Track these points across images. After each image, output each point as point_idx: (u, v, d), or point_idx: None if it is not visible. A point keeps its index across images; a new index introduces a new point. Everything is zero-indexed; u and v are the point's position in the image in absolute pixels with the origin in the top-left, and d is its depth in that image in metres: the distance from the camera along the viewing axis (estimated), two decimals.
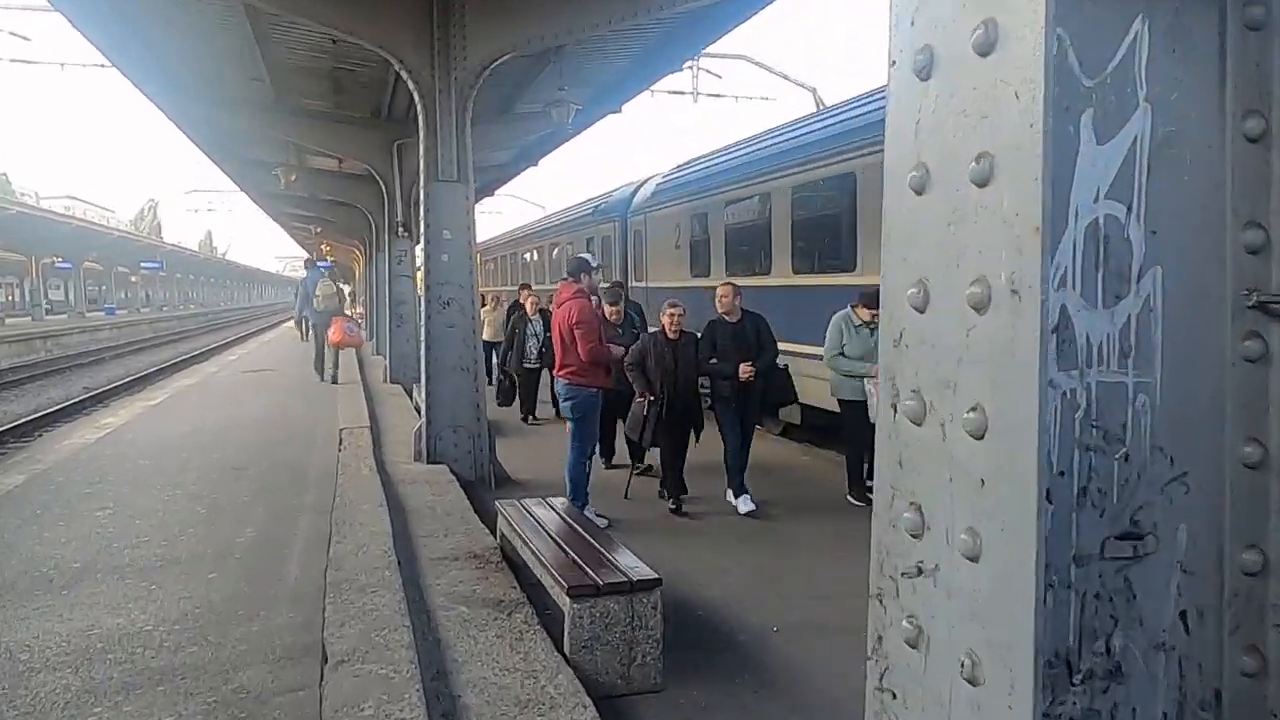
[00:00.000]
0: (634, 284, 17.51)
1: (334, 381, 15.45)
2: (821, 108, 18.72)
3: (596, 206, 20.36)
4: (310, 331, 17.61)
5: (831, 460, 9.32)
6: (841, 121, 10.53)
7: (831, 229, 10.97)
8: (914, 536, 1.16)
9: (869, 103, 10.28)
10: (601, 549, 4.78)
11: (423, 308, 8.53)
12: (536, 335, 11.83)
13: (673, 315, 7.53)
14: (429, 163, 8.43)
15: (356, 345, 17.38)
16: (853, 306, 7.35)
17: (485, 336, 13.33)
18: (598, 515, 7.33)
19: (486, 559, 5.30)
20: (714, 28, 10.94)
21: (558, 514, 5.57)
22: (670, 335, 7.48)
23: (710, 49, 23.04)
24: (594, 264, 7.90)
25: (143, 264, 64.68)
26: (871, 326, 7.13)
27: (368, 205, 22.07)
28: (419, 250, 8.46)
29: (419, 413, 11.81)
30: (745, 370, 7.18)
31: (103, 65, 23.91)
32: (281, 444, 9.27)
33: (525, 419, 12.16)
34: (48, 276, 68.92)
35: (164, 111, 15.07)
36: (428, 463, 8.39)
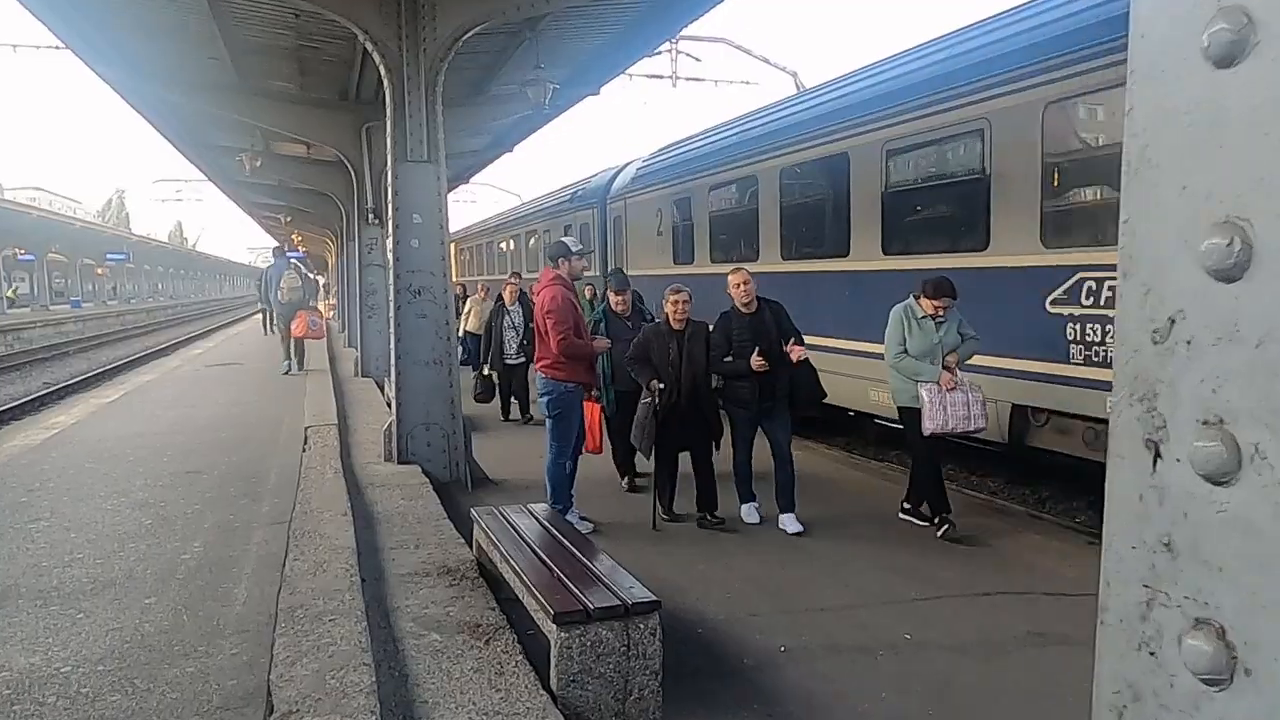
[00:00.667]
0: None
1: (299, 369, 15.52)
2: (805, 88, 18.25)
3: (574, 193, 19.78)
4: (275, 324, 17.73)
5: (876, 471, 8.83)
6: (832, 99, 10.03)
7: (823, 213, 10.49)
8: (1210, 683, 0.65)
9: (859, 80, 9.79)
10: (591, 565, 4.26)
11: (392, 298, 7.95)
12: (515, 327, 11.10)
13: (677, 303, 6.76)
14: (397, 141, 7.84)
15: (318, 339, 17.11)
16: (915, 297, 6.42)
17: (471, 327, 12.98)
18: (582, 519, 6.83)
19: (462, 574, 4.76)
20: (694, 6, 10.35)
21: (540, 522, 5.05)
22: (675, 325, 6.71)
23: (690, 31, 22.47)
24: (575, 248, 7.30)
25: (109, 255, 63.28)
26: (937, 320, 6.28)
27: (338, 192, 21.34)
28: (389, 238, 7.88)
29: (390, 409, 11.25)
30: (757, 362, 6.30)
31: (56, 47, 23.03)
32: (241, 445, 8.65)
33: (505, 417, 11.59)
34: (11, 269, 67.42)
35: (120, 94, 14.33)
36: (399, 463, 7.83)
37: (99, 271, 71.19)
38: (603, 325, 7.59)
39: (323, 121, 14.74)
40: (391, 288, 7.95)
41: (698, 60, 24.28)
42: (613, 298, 7.81)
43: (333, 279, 40.83)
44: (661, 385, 6.52)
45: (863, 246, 9.23)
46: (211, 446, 8.55)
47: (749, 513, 6.83)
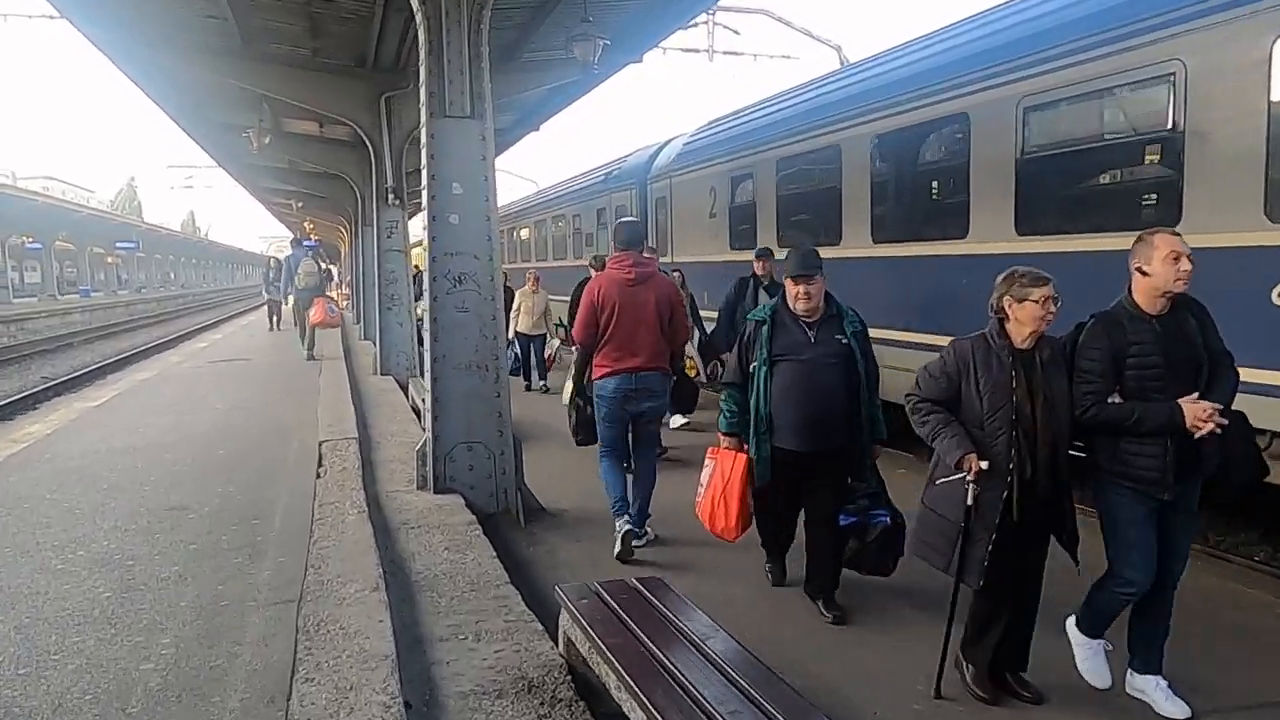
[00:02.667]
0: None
1: (310, 359, 15.83)
2: (849, 62, 16.57)
3: (609, 173, 18.22)
4: (275, 312, 21.71)
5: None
6: (948, 50, 8.43)
7: (928, 186, 8.92)
8: None
9: (990, 22, 8.18)
10: (767, 699, 2.74)
11: (426, 287, 6.43)
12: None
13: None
14: (433, 92, 6.31)
15: (334, 325, 17.70)
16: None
17: (522, 328, 11.75)
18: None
19: (550, 691, 3.24)
20: None
21: (665, 612, 3.50)
22: (1020, 344, 3.56)
23: (728, 1, 20.89)
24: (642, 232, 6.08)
25: (118, 244, 62.04)
26: None
27: (352, 174, 19.84)
28: (422, 213, 6.34)
29: (417, 415, 9.75)
30: (1196, 412, 3.28)
31: (50, 17, 21.58)
32: (241, 465, 7.16)
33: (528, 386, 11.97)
34: (22, 258, 66.23)
35: (110, 56, 12.82)
36: (435, 491, 6.33)
37: (109, 260, 70.02)
38: (764, 331, 4.67)
39: (337, 90, 13.20)
40: (426, 275, 6.43)
41: (736, 33, 22.51)
42: (794, 289, 4.62)
43: (346, 268, 39.38)
44: (984, 466, 3.45)
45: (987, 225, 7.66)
46: (206, 468, 7.06)
47: (1097, 667, 3.69)
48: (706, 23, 22.14)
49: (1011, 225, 7.40)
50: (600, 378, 5.86)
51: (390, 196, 13.42)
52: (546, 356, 12.48)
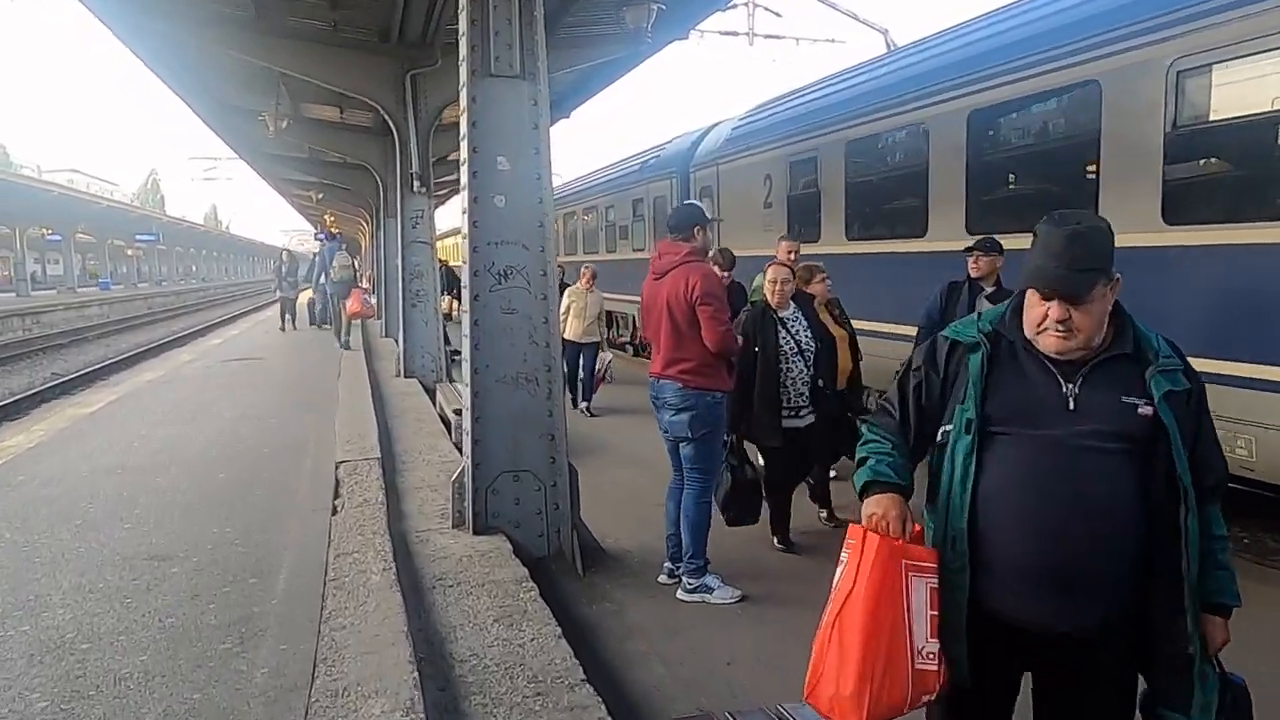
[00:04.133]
0: None
1: (346, 348, 16.07)
2: (896, 46, 15.32)
3: (645, 161, 17.06)
4: (289, 310, 20.79)
5: None
6: (1074, 6, 7.21)
7: (1038, 170, 7.70)
8: None
9: None
10: None
11: (465, 283, 5.32)
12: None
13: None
14: (475, 46, 5.18)
15: (370, 316, 18.48)
16: None
17: (571, 334, 10.02)
18: (722, 584, 4.91)
19: None
20: None
21: None
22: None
23: None
24: (710, 215, 5.01)
25: (138, 236, 61.45)
26: None
27: (375, 162, 18.84)
28: (456, 198, 5.18)
29: (446, 427, 8.66)
30: None
31: None
32: (244, 495, 6.06)
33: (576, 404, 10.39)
34: (44, 250, 65.76)
35: (113, 29, 11.80)
36: (475, 531, 5.22)
37: (129, 253, 69.54)
38: (974, 365, 2.74)
39: (358, 67, 12.12)
40: (465, 269, 5.31)
41: (778, 15, 21.35)
42: (1039, 312, 4.19)
43: (367, 262, 38.47)
44: None
45: (1125, 213, 6.46)
46: (202, 498, 5.97)
47: None
48: (747, 3, 21.00)
49: (1157, 214, 6.21)
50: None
51: (415, 184, 12.34)
52: (597, 373, 10.53)
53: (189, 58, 13.21)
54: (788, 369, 5.51)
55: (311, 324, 21.46)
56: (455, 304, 24.44)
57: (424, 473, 6.70)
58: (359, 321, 18.62)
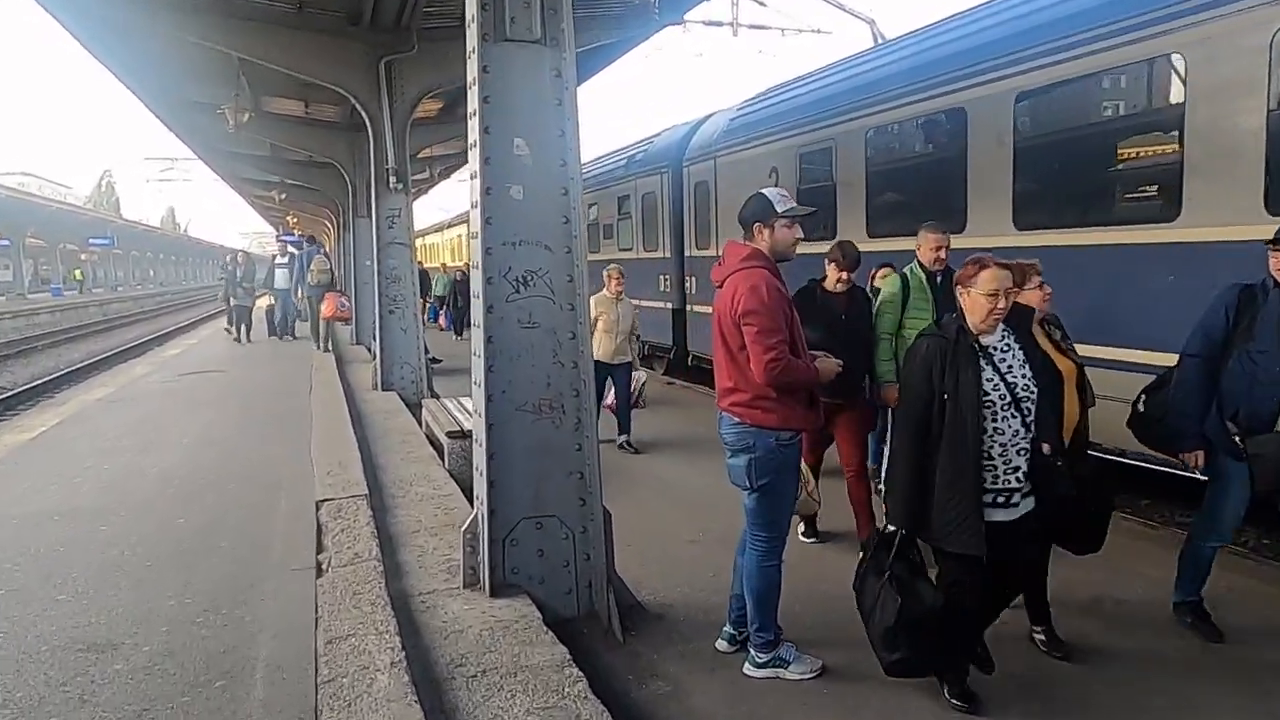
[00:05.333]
0: (694, 252, 13.44)
1: (326, 350, 16.03)
2: (885, 38, 14.60)
3: (633, 155, 16.16)
4: (243, 320, 18.95)
5: None
6: None
7: (1095, 156, 6.92)
8: None
9: None
10: None
11: (476, 292, 4.40)
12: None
13: None
14: (485, 6, 4.26)
15: (346, 319, 18.13)
16: None
17: (600, 354, 8.17)
18: (799, 655, 4.03)
19: None
20: None
21: None
22: None
23: None
24: (781, 207, 3.94)
25: (91, 240, 59.39)
26: None
27: (343, 159, 17.84)
28: (472, 180, 4.29)
29: (435, 449, 7.72)
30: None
31: None
32: (208, 550, 5.02)
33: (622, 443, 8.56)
34: None
35: (56, 17, 10.69)
36: (491, 592, 4.31)
37: (83, 257, 67.28)
38: None
39: (327, 53, 11.11)
40: (477, 274, 4.39)
41: (762, 4, 20.56)
42: (833, 276, 5.62)
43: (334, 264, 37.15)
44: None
45: (1208, 205, 5.69)
46: (156, 555, 4.92)
47: None
48: None
49: (1260, 202, 5.45)
50: None
51: (392, 180, 11.36)
52: (633, 396, 8.69)
53: (142, 47, 12.12)
54: (997, 429, 3.47)
55: (271, 335, 19.57)
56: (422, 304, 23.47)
57: (419, 511, 5.76)
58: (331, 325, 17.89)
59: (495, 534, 4.38)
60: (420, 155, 21.43)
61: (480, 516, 4.43)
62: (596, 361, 7.90)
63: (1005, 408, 3.46)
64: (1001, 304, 3.44)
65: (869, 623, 3.61)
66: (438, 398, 10.07)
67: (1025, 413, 3.49)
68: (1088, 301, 6.38)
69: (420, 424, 8.92)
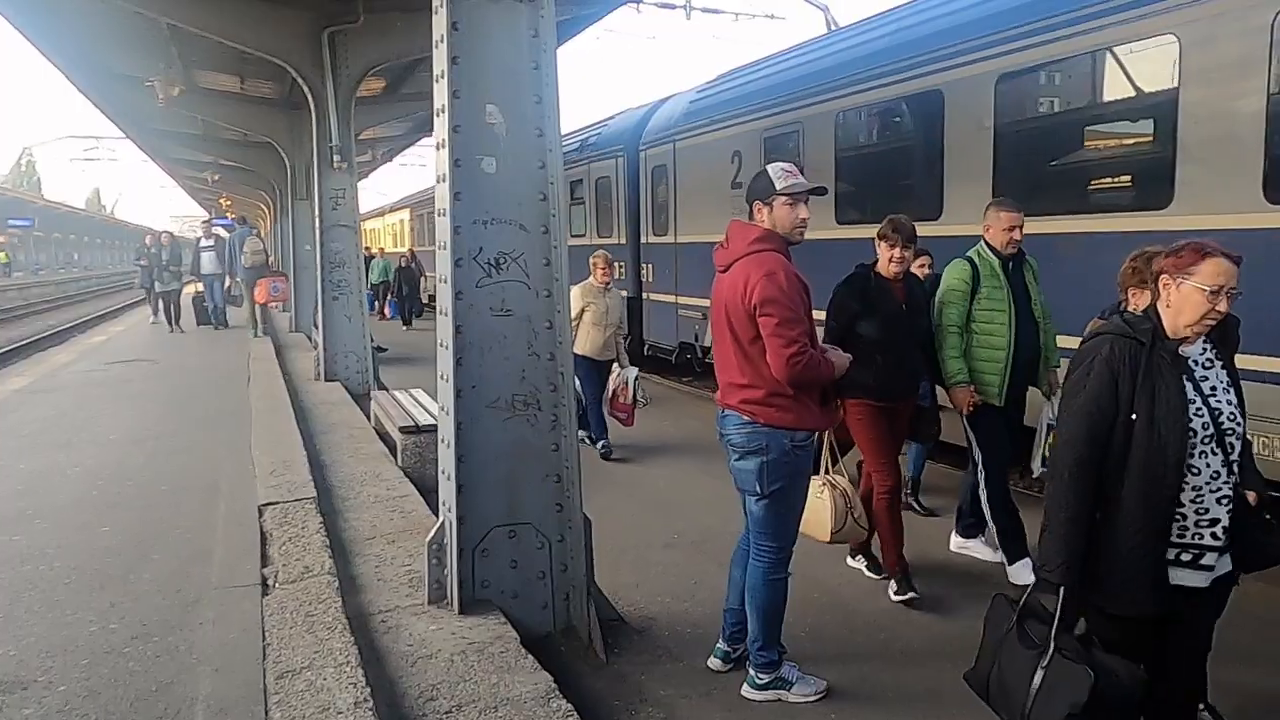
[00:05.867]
0: (652, 239, 13.06)
1: (262, 335, 15.85)
2: (838, 26, 14.40)
3: (586, 139, 15.69)
4: (171, 304, 17.79)
5: None
6: None
7: (1096, 144, 6.70)
8: None
9: None
10: None
11: (444, 276, 3.96)
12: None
13: None
14: None
15: (282, 302, 17.74)
16: None
17: (586, 349, 7.58)
18: (801, 675, 3.69)
19: None
20: None
21: None
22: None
23: None
24: (781, 184, 3.53)
25: (10, 221, 56.76)
26: None
27: (282, 139, 17.03)
28: (439, 150, 3.82)
29: (386, 445, 7.23)
30: None
31: None
32: (135, 565, 4.46)
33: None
34: None
35: None
36: (460, 609, 3.89)
37: (1, 239, 64.34)
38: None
39: (266, 22, 10.44)
40: (443, 255, 3.95)
41: None
42: (885, 259, 4.67)
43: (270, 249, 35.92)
44: None
45: (1201, 193, 5.48)
46: (74, 573, 4.34)
47: None
48: None
49: (1258, 190, 5.25)
50: None
51: (336, 159, 10.75)
52: (615, 397, 7.83)
53: (61, 11, 11.28)
54: (1192, 467, 2.64)
55: (201, 324, 18.21)
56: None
57: (373, 515, 5.29)
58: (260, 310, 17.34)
59: (464, 544, 3.95)
60: (362, 137, 20.64)
61: (447, 525, 3.99)
62: (584, 358, 7.46)
63: (1206, 440, 2.64)
64: (1222, 306, 2.62)
65: (1024, 709, 2.68)
66: (386, 389, 9.54)
67: (1229, 449, 2.67)
68: (1067, 292, 6.15)
69: (369, 418, 8.40)
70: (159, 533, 4.91)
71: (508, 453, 4.01)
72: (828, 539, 4.39)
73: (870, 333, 4.49)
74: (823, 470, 4.45)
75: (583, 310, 7.53)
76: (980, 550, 5.21)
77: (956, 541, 5.33)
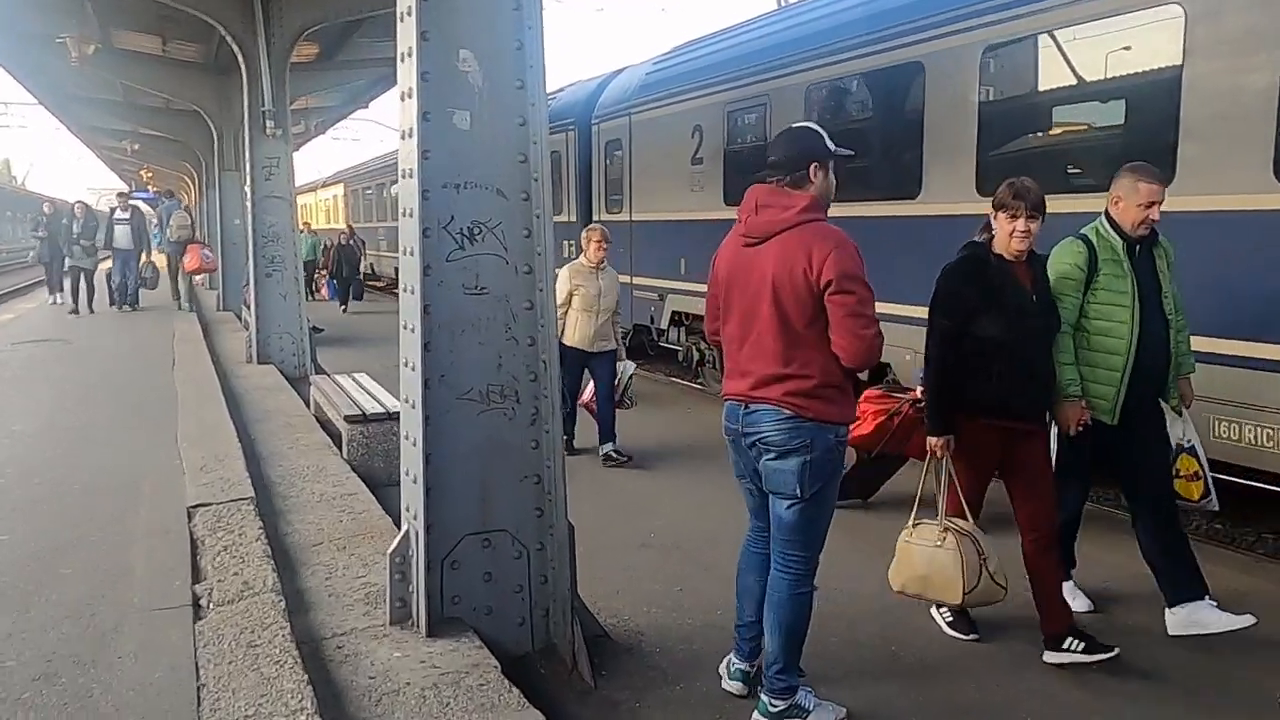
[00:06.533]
0: (605, 216, 12.53)
1: (190, 309, 15.91)
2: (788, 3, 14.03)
3: None
4: (82, 281, 15.90)
5: None
6: None
7: (1089, 119, 6.39)
8: None
9: None
10: None
11: (409, 248, 3.43)
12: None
13: None
14: None
15: (211, 271, 17.47)
16: None
17: (575, 339, 6.63)
18: (819, 702, 3.26)
19: None
20: None
21: None
22: None
23: None
24: (832, 146, 3.17)
25: None
26: None
27: (207, 105, 16.03)
28: (404, 101, 3.26)
29: (328, 434, 6.64)
30: None
31: None
32: (41, 583, 3.81)
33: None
34: None
35: None
36: (429, 630, 3.40)
37: None
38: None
39: None
40: (406, 224, 3.42)
41: None
42: (1008, 228, 3.62)
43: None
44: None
45: (1210, 170, 5.21)
46: None
47: None
48: None
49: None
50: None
51: (269, 124, 10.01)
52: (617, 392, 6.96)
53: None
54: None
55: (112, 305, 16.27)
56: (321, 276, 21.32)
57: (319, 516, 4.73)
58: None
59: (432, 555, 3.45)
60: (294, 107, 19.63)
61: (412, 534, 3.48)
62: (573, 349, 6.56)
63: None
64: None
65: None
66: (325, 373, 8.90)
67: None
68: None
69: (308, 404, 7.78)
70: (70, 542, 4.28)
71: (482, 450, 3.51)
72: (959, 601, 3.65)
73: (992, 331, 3.62)
74: (941, 512, 3.75)
75: (570, 294, 6.57)
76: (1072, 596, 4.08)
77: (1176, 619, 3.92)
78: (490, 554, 3.56)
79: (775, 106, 8.94)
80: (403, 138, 3.45)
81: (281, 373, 9.58)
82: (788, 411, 3.02)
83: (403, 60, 3.39)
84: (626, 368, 7.04)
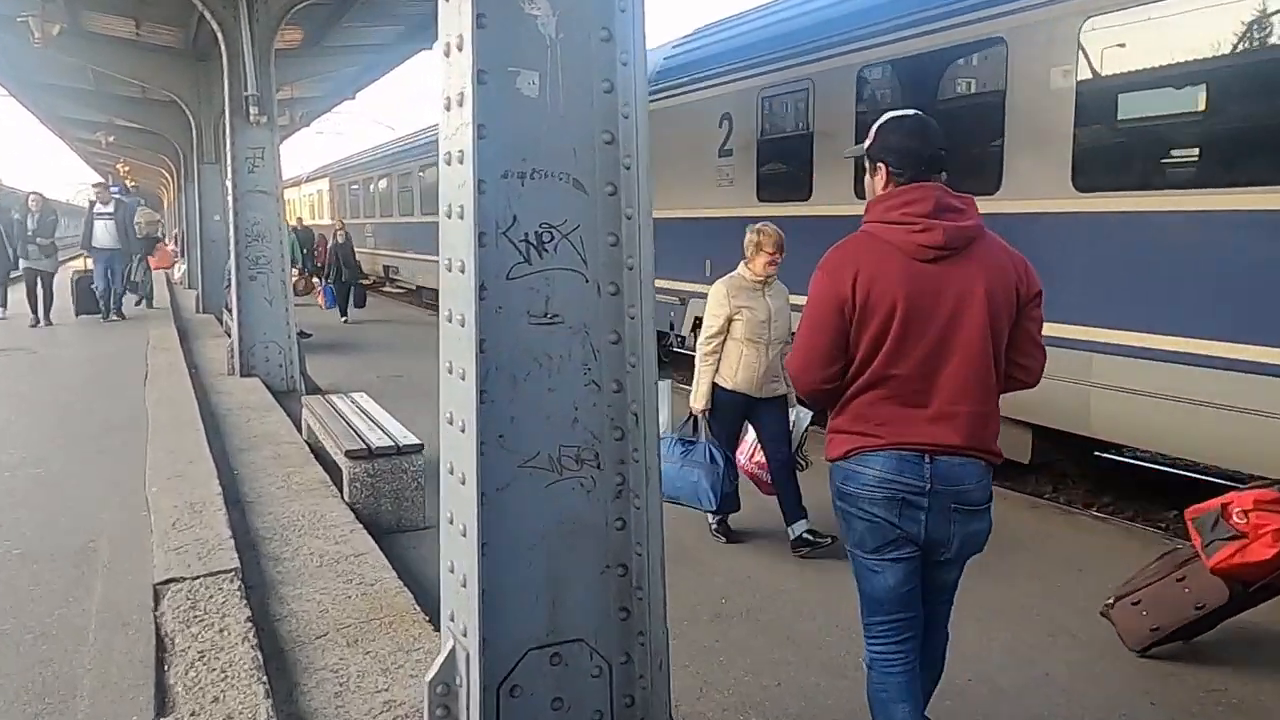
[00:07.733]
0: None
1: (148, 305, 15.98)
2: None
3: None
4: (42, 285, 13.87)
5: None
6: None
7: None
8: None
9: None
10: None
11: (458, 258, 2.47)
12: None
13: None
14: None
15: (168, 268, 18.16)
16: None
17: (738, 383, 4.95)
18: None
19: None
20: None
21: None
22: None
23: None
24: None
25: None
26: None
27: (185, 93, 15.04)
28: (447, 58, 2.26)
29: (321, 465, 5.67)
30: None
31: None
32: None
33: None
34: None
35: None
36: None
37: None
38: None
39: None
40: (452, 227, 2.47)
41: None
42: None
43: (171, 222, 33.12)
44: None
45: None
46: None
47: None
48: None
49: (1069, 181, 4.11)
50: (847, 456, 2.52)
51: (253, 111, 8.99)
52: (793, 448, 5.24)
53: None
54: None
55: (80, 314, 14.34)
56: (310, 281, 19.39)
57: (322, 589, 3.78)
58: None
59: (487, 680, 2.52)
60: (279, 96, 18.60)
61: (460, 655, 2.55)
62: (732, 393, 4.95)
63: None
64: None
65: None
66: (320, 392, 7.92)
67: None
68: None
69: (299, 427, 6.81)
70: (8, 632, 3.30)
71: (550, 535, 2.58)
72: None
73: None
74: None
75: (730, 318, 4.91)
76: None
77: None
78: (561, 673, 2.63)
79: (820, 92, 8.04)
80: (444, 108, 2.50)
81: (267, 387, 8.59)
82: (986, 460, 2.47)
83: (443, 21, 2.44)
84: (801, 417, 5.21)
